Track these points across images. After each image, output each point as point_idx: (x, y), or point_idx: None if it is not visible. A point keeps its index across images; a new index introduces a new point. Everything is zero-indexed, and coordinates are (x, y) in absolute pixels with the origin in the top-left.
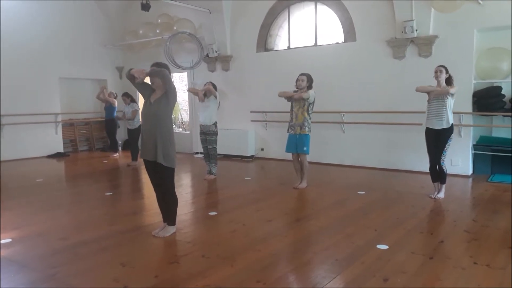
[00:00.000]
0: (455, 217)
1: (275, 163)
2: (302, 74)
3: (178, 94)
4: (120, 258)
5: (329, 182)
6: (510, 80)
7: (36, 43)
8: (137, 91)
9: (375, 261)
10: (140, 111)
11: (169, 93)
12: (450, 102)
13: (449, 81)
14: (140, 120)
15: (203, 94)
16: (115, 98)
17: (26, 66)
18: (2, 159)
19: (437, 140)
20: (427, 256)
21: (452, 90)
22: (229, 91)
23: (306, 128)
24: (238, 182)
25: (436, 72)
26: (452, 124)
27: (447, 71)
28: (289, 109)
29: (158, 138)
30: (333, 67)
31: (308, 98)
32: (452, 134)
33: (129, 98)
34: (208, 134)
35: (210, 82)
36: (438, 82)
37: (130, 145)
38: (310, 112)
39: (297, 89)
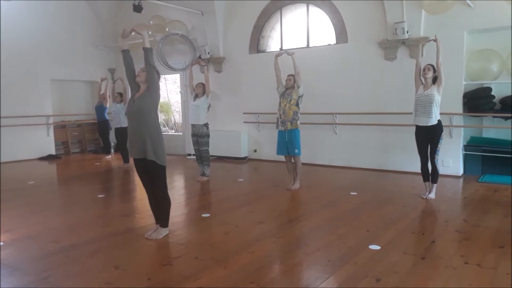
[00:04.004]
0: (446, 217)
1: (268, 164)
2: (290, 75)
3: (170, 95)
4: (113, 260)
5: (321, 183)
6: (500, 81)
7: (28, 45)
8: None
9: (368, 262)
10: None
11: (152, 87)
12: (437, 98)
13: (435, 80)
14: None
15: (195, 94)
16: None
17: (17, 68)
18: None
19: (428, 139)
20: (418, 256)
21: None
22: (222, 92)
23: (298, 122)
24: (231, 183)
25: (424, 69)
26: (439, 120)
27: (434, 71)
28: None
29: (146, 135)
30: (325, 68)
31: (293, 53)
32: (443, 133)
33: (121, 97)
34: (200, 136)
35: (202, 83)
36: (426, 79)
37: (119, 147)
38: (299, 105)
39: (285, 88)
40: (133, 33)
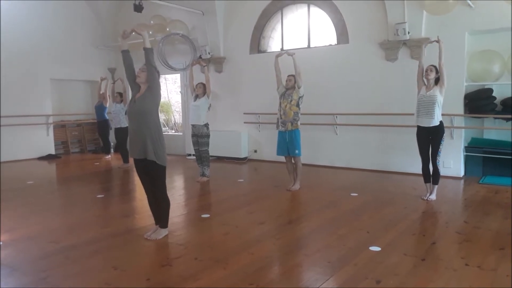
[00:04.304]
0: (447, 219)
1: (268, 165)
2: (290, 75)
3: (170, 95)
4: (112, 261)
5: (321, 184)
6: (502, 83)
7: (27, 44)
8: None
9: (368, 263)
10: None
11: (153, 87)
12: (440, 99)
13: (437, 81)
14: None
15: (195, 95)
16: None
17: (17, 68)
18: None
19: (430, 140)
20: (419, 257)
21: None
22: (222, 92)
23: (298, 122)
24: (231, 184)
25: (427, 70)
26: (441, 121)
27: (437, 71)
28: None
29: (147, 135)
30: (326, 68)
31: (294, 53)
32: (444, 134)
33: (121, 97)
34: (200, 136)
35: (202, 83)
36: (428, 80)
37: (119, 147)
38: (300, 105)
39: (286, 89)
40: (133, 34)
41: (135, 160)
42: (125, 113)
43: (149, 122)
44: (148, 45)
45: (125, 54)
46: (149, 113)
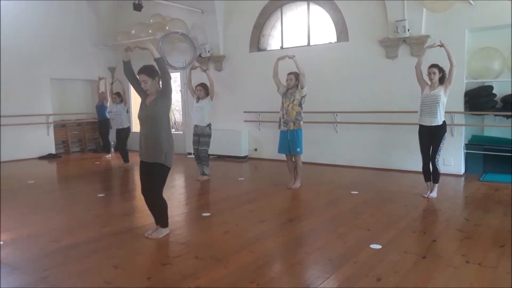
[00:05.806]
0: (447, 216)
1: (268, 163)
2: (290, 73)
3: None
4: (112, 260)
5: (322, 182)
6: (502, 80)
7: (27, 44)
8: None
9: (368, 261)
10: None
11: (165, 93)
12: (443, 99)
13: (442, 80)
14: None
15: (196, 97)
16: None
17: (17, 67)
18: None
19: (431, 139)
20: (419, 255)
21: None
22: (222, 91)
23: (301, 122)
24: (231, 182)
25: (429, 73)
26: (444, 121)
27: (440, 71)
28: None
29: (159, 139)
30: (326, 67)
31: (294, 56)
32: (446, 133)
33: (120, 98)
34: (202, 136)
35: (202, 85)
36: (432, 82)
37: (119, 147)
38: (302, 105)
39: (287, 88)
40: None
41: (142, 162)
42: (126, 112)
43: (160, 126)
44: (157, 55)
45: (126, 64)
46: (161, 118)
